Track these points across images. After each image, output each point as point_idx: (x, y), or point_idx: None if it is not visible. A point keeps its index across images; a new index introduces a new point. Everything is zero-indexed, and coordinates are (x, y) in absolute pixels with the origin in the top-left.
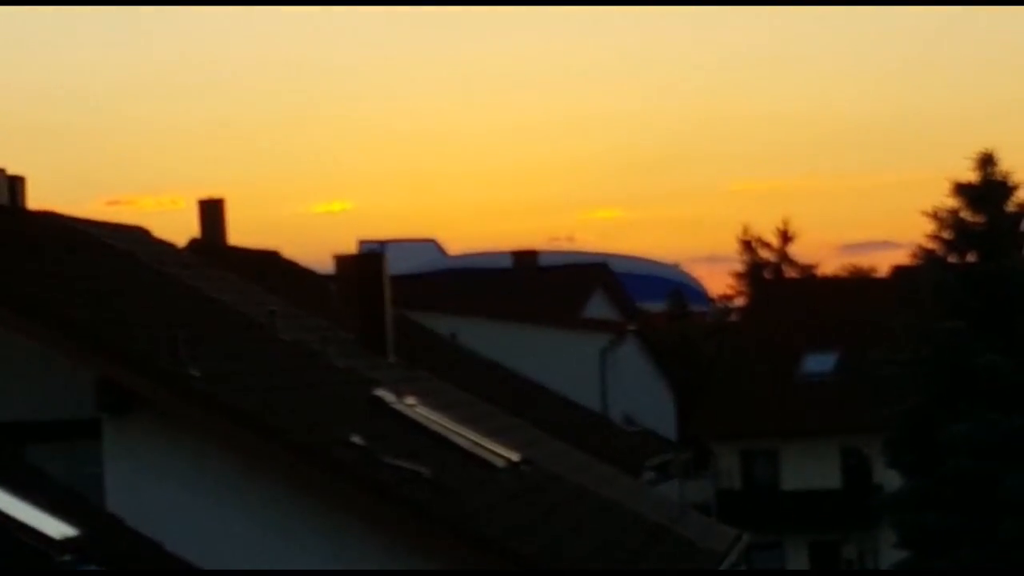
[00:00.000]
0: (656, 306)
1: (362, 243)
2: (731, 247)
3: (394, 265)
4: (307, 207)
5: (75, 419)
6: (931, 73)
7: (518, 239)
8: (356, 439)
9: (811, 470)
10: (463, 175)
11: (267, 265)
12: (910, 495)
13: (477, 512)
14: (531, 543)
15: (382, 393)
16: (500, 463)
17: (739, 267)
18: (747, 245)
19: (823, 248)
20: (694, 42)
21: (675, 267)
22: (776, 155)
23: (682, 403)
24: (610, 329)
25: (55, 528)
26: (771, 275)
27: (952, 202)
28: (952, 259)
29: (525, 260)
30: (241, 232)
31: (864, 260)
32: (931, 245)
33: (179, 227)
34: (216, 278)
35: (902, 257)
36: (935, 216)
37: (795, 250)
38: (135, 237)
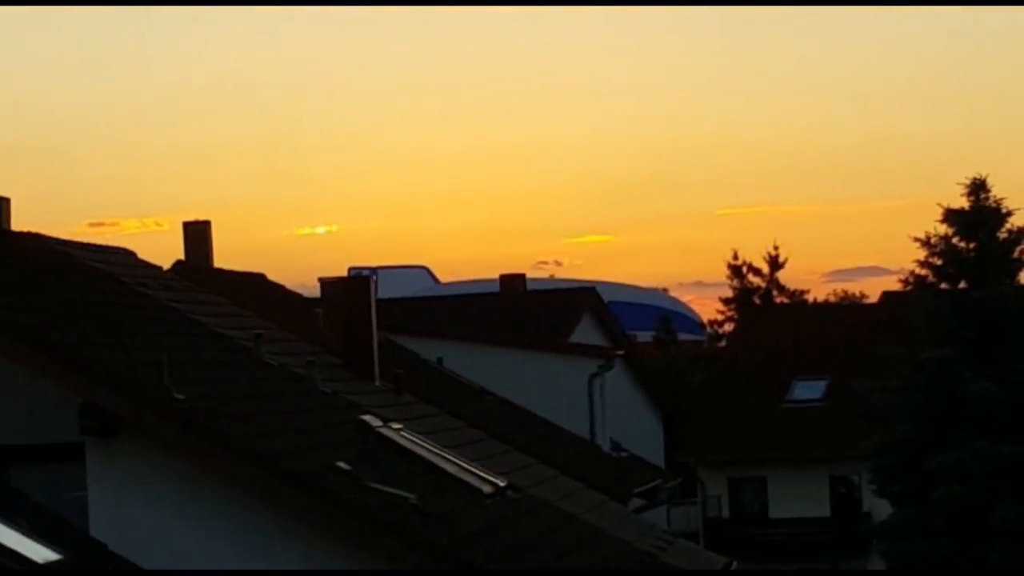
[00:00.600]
0: (644, 334)
1: (351, 270)
2: (720, 273)
3: (384, 291)
4: (293, 230)
5: (59, 442)
6: (922, 99)
7: (504, 264)
8: (342, 464)
9: (800, 498)
10: (450, 199)
11: (253, 288)
12: (900, 523)
13: (463, 538)
14: (517, 569)
15: (368, 418)
16: (487, 488)
17: (728, 293)
18: (736, 271)
19: (813, 274)
20: (683, 68)
21: (663, 293)
22: (765, 181)
23: (670, 430)
24: (598, 354)
25: (38, 552)
26: (760, 301)
27: (943, 229)
28: (943, 286)
29: (512, 285)
30: (227, 255)
31: (854, 286)
32: (922, 272)
33: (163, 249)
34: (201, 301)
35: (892, 283)
36: (926, 242)
37: (784, 276)
38: (120, 259)
